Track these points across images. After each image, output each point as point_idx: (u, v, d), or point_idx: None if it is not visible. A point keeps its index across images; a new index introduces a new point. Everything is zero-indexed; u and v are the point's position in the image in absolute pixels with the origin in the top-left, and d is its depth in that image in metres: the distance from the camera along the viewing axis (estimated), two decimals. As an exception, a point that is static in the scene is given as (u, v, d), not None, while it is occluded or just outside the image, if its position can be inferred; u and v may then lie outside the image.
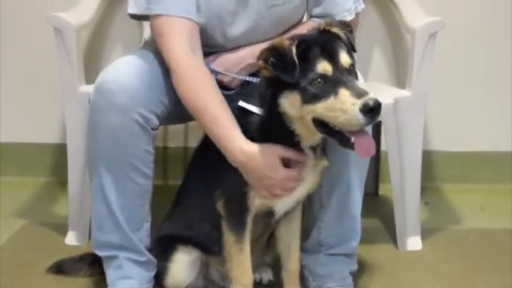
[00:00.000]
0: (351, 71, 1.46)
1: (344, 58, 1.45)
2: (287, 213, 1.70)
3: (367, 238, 2.09)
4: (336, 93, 1.40)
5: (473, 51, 2.68)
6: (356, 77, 1.48)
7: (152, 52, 1.69)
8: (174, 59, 1.58)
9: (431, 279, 1.94)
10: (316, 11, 1.75)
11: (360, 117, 1.37)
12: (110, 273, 1.70)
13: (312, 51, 1.44)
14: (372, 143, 1.46)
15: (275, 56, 1.44)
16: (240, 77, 1.70)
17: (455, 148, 2.74)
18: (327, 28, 1.51)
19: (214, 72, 1.70)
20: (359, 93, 1.39)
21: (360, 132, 1.43)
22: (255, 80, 1.65)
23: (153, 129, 1.61)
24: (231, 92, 1.71)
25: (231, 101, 1.62)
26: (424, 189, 2.28)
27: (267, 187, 1.54)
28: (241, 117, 1.57)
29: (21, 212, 2.42)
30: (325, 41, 1.47)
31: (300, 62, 1.43)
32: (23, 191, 2.59)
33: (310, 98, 1.42)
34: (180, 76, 1.58)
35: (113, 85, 1.57)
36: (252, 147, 1.52)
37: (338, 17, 1.72)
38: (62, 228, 2.18)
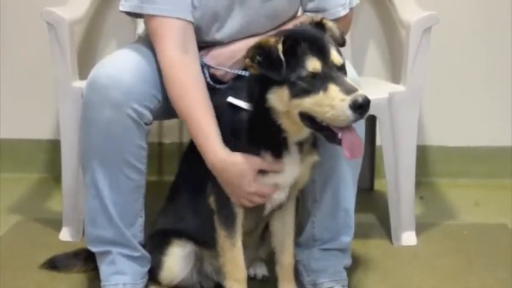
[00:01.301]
0: (342, 69, 1.45)
1: (334, 54, 1.44)
2: (281, 208, 1.69)
3: (362, 233, 2.10)
4: (325, 89, 1.40)
5: (470, 45, 2.68)
6: (345, 73, 1.47)
7: (146, 47, 1.69)
8: (165, 61, 1.59)
9: (425, 274, 1.94)
10: (310, 5, 1.74)
11: (349, 114, 1.38)
12: (103, 269, 1.69)
13: (299, 46, 1.43)
14: (358, 141, 1.46)
15: (261, 54, 1.44)
16: (233, 71, 1.69)
17: (450, 143, 2.73)
18: (323, 21, 1.51)
19: (207, 66, 1.69)
20: (348, 90, 1.39)
21: (347, 128, 1.44)
22: (248, 73, 1.65)
23: (146, 124, 1.61)
24: (223, 86, 1.70)
25: (222, 95, 1.61)
26: (419, 184, 2.28)
27: (236, 196, 1.57)
28: (230, 112, 1.56)
29: (16, 208, 2.41)
30: (314, 37, 1.46)
31: (288, 58, 1.42)
32: (17, 187, 2.58)
33: (298, 93, 1.42)
34: (170, 80, 1.59)
35: (106, 80, 1.56)
36: (230, 158, 1.54)
37: (332, 11, 1.71)
38: (56, 224, 2.17)
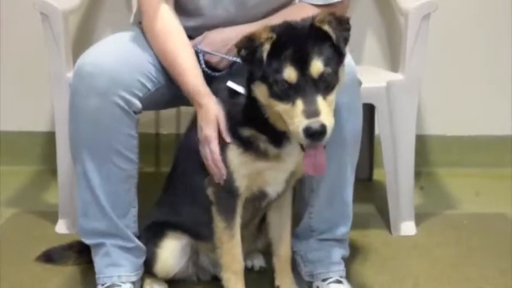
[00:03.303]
0: (321, 79, 1.40)
1: (315, 66, 1.40)
2: (278, 199, 1.68)
3: (361, 223, 2.09)
4: (293, 102, 1.39)
5: (469, 33, 2.66)
6: (325, 82, 1.41)
7: (137, 34, 1.68)
8: (146, 2, 1.62)
9: (425, 264, 1.93)
10: (306, -9, 1.72)
11: (302, 137, 1.38)
12: (98, 261, 1.67)
13: (285, 51, 1.41)
14: (321, 159, 1.44)
15: (247, 48, 1.44)
16: (229, 58, 1.68)
17: (450, 132, 2.72)
18: (317, 25, 1.45)
19: (202, 52, 1.68)
20: (310, 113, 1.37)
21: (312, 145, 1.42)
22: (242, 60, 1.63)
23: (135, 112, 1.59)
24: (220, 74, 1.69)
25: (221, 80, 1.60)
26: (419, 174, 2.27)
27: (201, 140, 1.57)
28: (229, 97, 1.55)
29: (12, 200, 2.40)
30: (303, 43, 1.42)
31: (272, 59, 1.41)
32: (13, 180, 2.57)
33: (274, 95, 1.42)
34: (149, 17, 1.60)
35: (92, 67, 1.55)
36: (204, 99, 1.55)
37: (328, -3, 1.69)
38: (52, 217, 2.16)
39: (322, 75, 1.40)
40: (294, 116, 1.39)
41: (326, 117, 1.38)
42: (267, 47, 1.42)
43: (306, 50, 1.41)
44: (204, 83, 1.59)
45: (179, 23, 1.65)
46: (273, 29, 1.45)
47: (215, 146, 1.54)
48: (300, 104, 1.38)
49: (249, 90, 1.50)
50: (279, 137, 1.52)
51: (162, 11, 1.62)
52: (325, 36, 1.44)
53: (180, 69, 1.60)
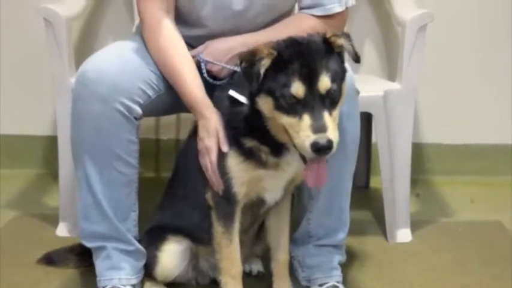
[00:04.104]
0: (328, 95, 1.43)
1: (323, 82, 1.42)
2: (276, 205, 1.70)
3: (358, 230, 2.10)
4: (300, 117, 1.41)
5: (466, 43, 2.68)
6: (331, 98, 1.43)
7: (138, 42, 1.70)
8: (147, 13, 1.65)
9: (420, 271, 1.95)
10: (306, 1, 1.73)
11: (309, 151, 1.40)
12: (99, 264, 1.69)
13: (292, 65, 1.42)
14: (323, 172, 1.47)
15: (247, 62, 1.46)
16: (230, 67, 1.70)
17: (446, 141, 2.74)
18: (332, 39, 1.47)
19: (204, 61, 1.70)
20: (318, 128, 1.39)
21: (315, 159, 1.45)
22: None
23: (136, 118, 1.61)
24: (221, 82, 1.71)
25: (223, 89, 1.63)
26: (414, 181, 2.28)
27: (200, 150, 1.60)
28: (231, 106, 1.57)
29: (13, 203, 2.42)
30: (310, 59, 1.43)
31: (278, 73, 1.43)
32: (15, 183, 2.59)
33: (280, 108, 1.44)
34: (150, 28, 1.64)
35: (93, 74, 1.58)
36: (206, 110, 1.59)
37: (328, 7, 1.71)
38: (53, 220, 2.18)
39: (329, 91, 1.42)
40: (301, 130, 1.40)
41: (332, 133, 1.40)
42: (266, 63, 1.43)
43: (314, 66, 1.43)
44: (205, 94, 1.62)
45: (179, 33, 1.67)
46: (275, 45, 1.46)
47: (215, 157, 1.57)
48: (307, 119, 1.40)
49: (252, 101, 1.51)
50: (278, 147, 1.54)
51: (163, 22, 1.65)
52: (332, 52, 1.46)
53: (181, 80, 1.62)
